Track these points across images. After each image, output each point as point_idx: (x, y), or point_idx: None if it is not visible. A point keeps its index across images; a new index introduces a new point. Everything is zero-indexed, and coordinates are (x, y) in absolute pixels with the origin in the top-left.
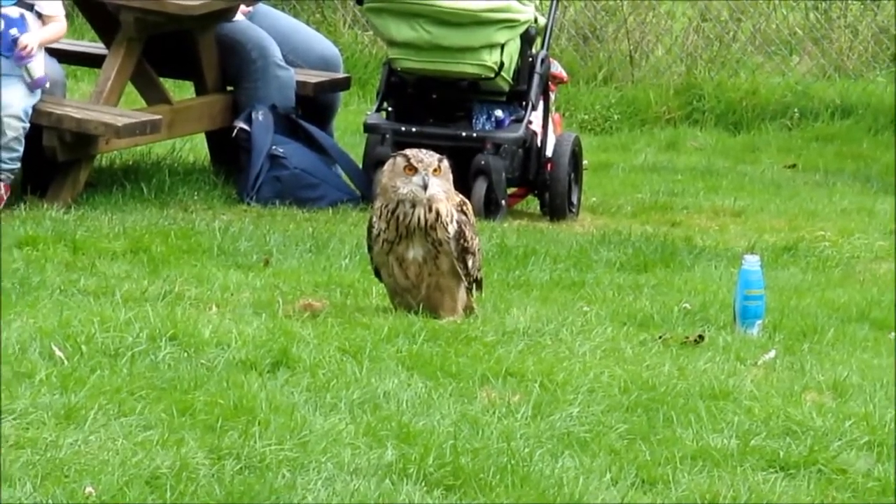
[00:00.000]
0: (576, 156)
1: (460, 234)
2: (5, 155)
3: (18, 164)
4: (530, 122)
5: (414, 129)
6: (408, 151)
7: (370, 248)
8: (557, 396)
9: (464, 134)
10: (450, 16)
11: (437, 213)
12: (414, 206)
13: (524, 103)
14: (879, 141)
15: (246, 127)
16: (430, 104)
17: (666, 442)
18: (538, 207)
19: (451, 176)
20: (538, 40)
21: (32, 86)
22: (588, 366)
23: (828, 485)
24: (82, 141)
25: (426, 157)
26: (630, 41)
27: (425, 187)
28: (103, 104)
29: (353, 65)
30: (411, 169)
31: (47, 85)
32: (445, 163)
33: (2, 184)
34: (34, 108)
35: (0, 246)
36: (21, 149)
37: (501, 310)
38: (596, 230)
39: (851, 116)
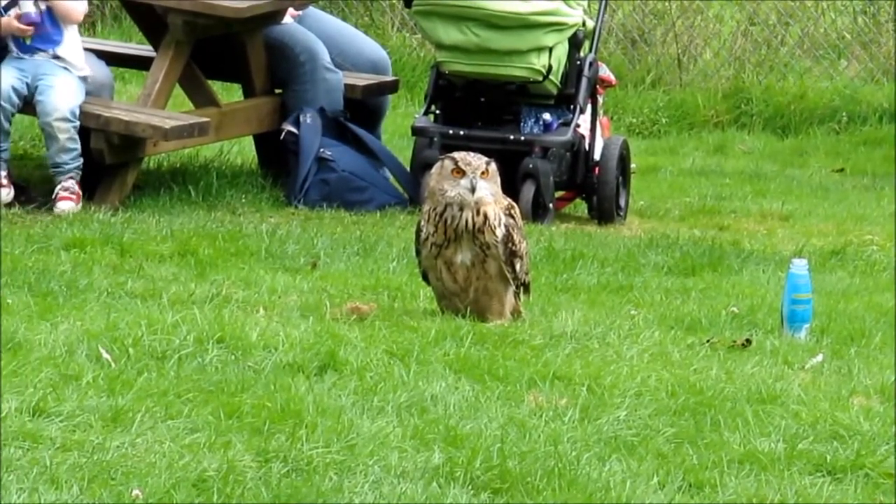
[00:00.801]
0: (624, 159)
1: (508, 237)
2: (65, 156)
3: (81, 160)
4: (578, 126)
5: (462, 133)
6: (455, 154)
7: (418, 252)
8: (605, 400)
9: (512, 137)
10: (498, 19)
11: (485, 217)
12: (462, 209)
13: (572, 107)
14: None
15: (294, 130)
16: (479, 107)
17: (713, 446)
18: (586, 211)
19: (498, 179)
20: (586, 44)
21: (21, 20)
22: (635, 369)
23: (875, 489)
24: (130, 143)
25: (474, 160)
26: (678, 45)
27: (473, 190)
28: (151, 107)
29: (401, 68)
30: (459, 172)
31: (35, 19)
32: (493, 166)
33: (73, 181)
34: (82, 111)
35: (0, 247)
36: (77, 146)
37: (549, 313)
38: (644, 234)
39: None
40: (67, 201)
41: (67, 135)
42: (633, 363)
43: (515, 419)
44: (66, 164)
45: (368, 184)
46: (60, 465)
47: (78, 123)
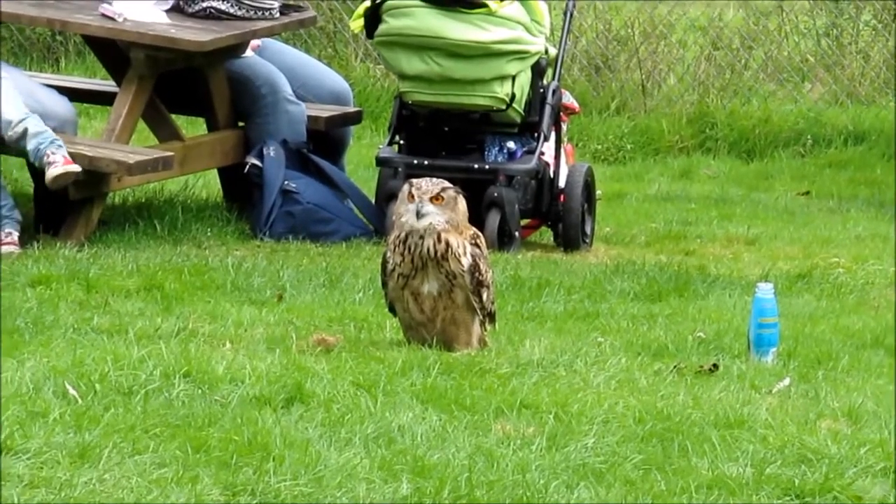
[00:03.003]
0: (589, 186)
1: (475, 267)
2: None
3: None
4: (542, 154)
5: (426, 162)
6: (415, 179)
7: (385, 284)
8: (572, 428)
9: (476, 166)
10: (460, 48)
11: (447, 244)
12: (422, 236)
13: (536, 134)
14: (892, 167)
15: (258, 162)
16: (442, 137)
17: (681, 471)
18: (551, 238)
19: (459, 206)
20: (549, 71)
21: None
22: (603, 396)
23: None
24: (94, 179)
25: (426, 185)
26: (642, 71)
27: (419, 215)
28: (115, 142)
29: (364, 98)
30: (411, 197)
31: None
32: (451, 192)
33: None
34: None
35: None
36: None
37: (515, 341)
38: (610, 260)
39: (864, 142)
40: (9, 245)
41: None
42: (601, 390)
43: (483, 448)
44: (40, 147)
45: (333, 215)
46: (28, 503)
47: None
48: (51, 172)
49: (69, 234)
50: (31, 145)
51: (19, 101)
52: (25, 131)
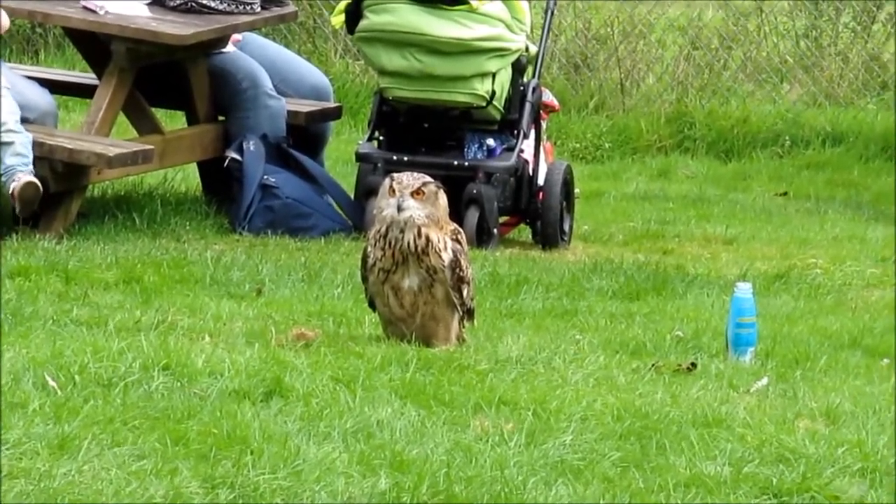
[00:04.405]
0: (567, 184)
1: (456, 262)
2: (15, 160)
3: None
4: (522, 151)
5: (406, 159)
6: (395, 174)
7: (365, 279)
8: (550, 424)
9: (455, 163)
10: (441, 45)
11: (428, 239)
12: (402, 230)
13: (516, 132)
14: (870, 168)
15: (237, 157)
16: (422, 133)
17: (659, 469)
18: (530, 236)
19: (442, 202)
20: (529, 69)
21: None
22: (581, 394)
23: None
24: (74, 171)
25: (406, 179)
26: (621, 70)
27: (399, 209)
28: (95, 134)
29: (344, 94)
30: (392, 191)
31: None
32: (432, 187)
33: (13, 182)
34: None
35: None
36: (28, 154)
37: (494, 338)
38: (588, 258)
39: (842, 144)
40: (25, 175)
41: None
42: (579, 388)
43: (461, 444)
44: (17, 166)
45: (312, 210)
46: (7, 493)
47: (22, 135)
48: (21, 179)
49: (48, 226)
50: (8, 160)
51: (17, 109)
52: (11, 143)
